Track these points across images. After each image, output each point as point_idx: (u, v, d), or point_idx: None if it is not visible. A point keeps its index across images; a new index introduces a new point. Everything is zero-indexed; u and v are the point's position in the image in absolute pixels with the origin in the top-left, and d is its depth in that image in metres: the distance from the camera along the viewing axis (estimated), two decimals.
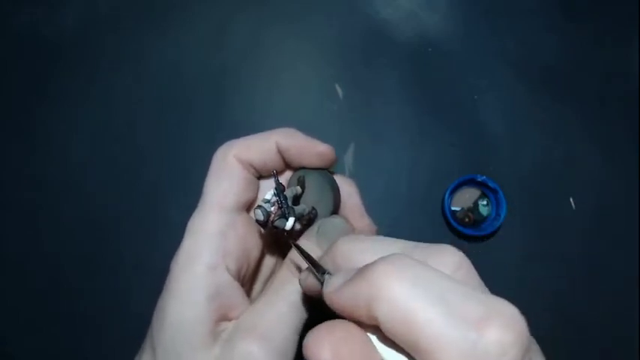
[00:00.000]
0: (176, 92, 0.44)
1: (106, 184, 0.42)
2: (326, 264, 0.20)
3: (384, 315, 0.15)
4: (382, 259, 0.16)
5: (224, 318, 0.24)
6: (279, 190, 0.25)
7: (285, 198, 0.25)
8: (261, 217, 0.24)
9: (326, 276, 0.19)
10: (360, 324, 0.16)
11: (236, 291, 0.25)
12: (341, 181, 0.28)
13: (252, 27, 0.45)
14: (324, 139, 0.43)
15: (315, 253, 0.26)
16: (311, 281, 0.21)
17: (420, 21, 0.45)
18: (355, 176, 0.42)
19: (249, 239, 0.26)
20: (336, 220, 0.27)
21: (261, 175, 0.28)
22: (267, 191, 0.25)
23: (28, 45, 0.45)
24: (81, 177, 0.43)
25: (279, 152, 0.27)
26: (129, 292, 0.39)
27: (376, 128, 0.44)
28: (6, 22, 0.45)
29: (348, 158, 0.43)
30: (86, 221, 0.42)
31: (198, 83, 0.44)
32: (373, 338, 0.16)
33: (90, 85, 0.44)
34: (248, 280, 0.27)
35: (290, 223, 0.25)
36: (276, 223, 0.25)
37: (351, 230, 0.27)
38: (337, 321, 0.17)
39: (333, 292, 0.17)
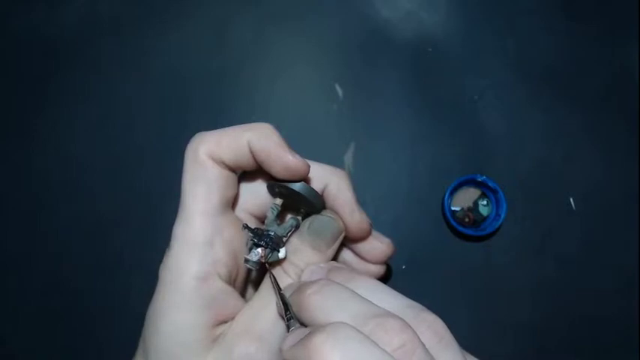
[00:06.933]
0: (176, 92, 0.44)
1: (105, 184, 0.42)
2: (293, 309, 0.22)
3: None
4: (323, 329, 0.18)
5: (220, 322, 0.24)
6: (259, 235, 0.24)
7: (267, 237, 0.24)
8: (256, 268, 0.24)
9: (290, 324, 0.22)
10: None
11: (230, 295, 0.25)
12: (331, 173, 0.27)
13: (251, 27, 0.45)
14: (324, 139, 0.43)
15: (306, 253, 0.26)
16: (281, 311, 0.23)
17: (420, 21, 0.45)
18: (355, 176, 0.42)
19: (237, 241, 0.25)
20: (326, 217, 0.27)
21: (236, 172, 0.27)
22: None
23: (28, 45, 0.45)
24: (81, 177, 0.43)
25: (251, 152, 0.25)
26: (129, 292, 0.39)
27: (376, 128, 0.44)
28: (5, 22, 0.45)
29: (348, 158, 0.43)
30: (86, 221, 0.42)
31: (198, 83, 0.44)
32: None
33: (90, 85, 0.44)
34: (241, 281, 0.27)
35: (282, 252, 0.25)
36: (271, 261, 0.25)
37: (341, 228, 0.27)
38: None
39: (286, 350, 0.20)
